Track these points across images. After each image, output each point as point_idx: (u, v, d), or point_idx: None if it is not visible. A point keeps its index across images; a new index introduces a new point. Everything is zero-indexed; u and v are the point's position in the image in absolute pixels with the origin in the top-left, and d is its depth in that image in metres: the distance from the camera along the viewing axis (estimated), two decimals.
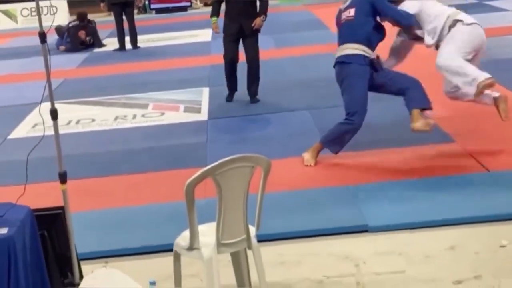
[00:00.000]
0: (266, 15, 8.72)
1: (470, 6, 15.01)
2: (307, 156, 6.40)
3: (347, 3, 6.37)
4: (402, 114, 7.53)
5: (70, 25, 14.39)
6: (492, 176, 5.68)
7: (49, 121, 4.04)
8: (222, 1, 8.68)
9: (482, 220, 4.91)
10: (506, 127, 6.76)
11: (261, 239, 4.41)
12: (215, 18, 8.73)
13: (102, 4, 14.09)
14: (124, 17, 13.54)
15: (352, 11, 6.25)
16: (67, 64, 12.55)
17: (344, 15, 6.34)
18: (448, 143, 6.56)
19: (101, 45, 14.39)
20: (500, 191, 5.34)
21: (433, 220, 4.95)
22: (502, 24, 12.41)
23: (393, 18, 6.26)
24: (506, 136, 6.59)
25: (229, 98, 8.86)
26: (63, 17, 17.48)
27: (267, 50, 12.14)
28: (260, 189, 3.91)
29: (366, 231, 4.94)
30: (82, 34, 14.27)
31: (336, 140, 6.29)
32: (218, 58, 11.80)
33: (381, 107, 7.87)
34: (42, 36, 3.90)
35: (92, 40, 14.37)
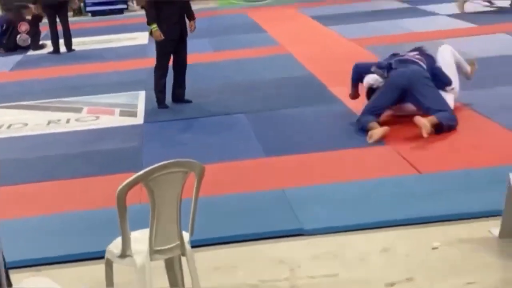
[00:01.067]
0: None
1: (404, 10, 15.28)
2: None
3: None
4: (337, 116, 7.65)
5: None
6: (424, 178, 5.77)
7: None
8: (158, 6, 8.43)
9: (414, 222, 4.98)
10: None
11: (196, 244, 4.40)
12: (155, 25, 8.38)
13: (33, 6, 13.77)
14: (58, 20, 13.34)
15: None
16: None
17: None
18: (380, 146, 6.64)
19: (37, 47, 14.13)
20: (431, 193, 5.42)
21: (367, 223, 5.00)
22: (434, 28, 12.62)
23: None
24: (437, 138, 6.70)
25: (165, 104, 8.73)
26: None
27: (204, 53, 12.16)
28: (194, 195, 3.90)
29: (301, 234, 4.95)
30: (23, 26, 13.94)
31: None
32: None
33: (316, 110, 7.96)
34: None
35: (29, 41, 14.09)
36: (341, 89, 8.35)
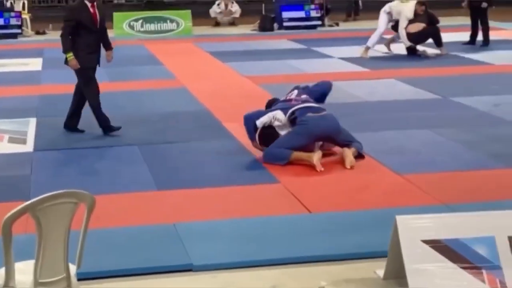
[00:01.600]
0: None
1: (299, 51, 15.59)
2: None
3: None
4: (231, 152, 7.70)
5: None
6: (313, 217, 5.87)
7: None
8: (72, 34, 8.23)
9: (302, 261, 5.04)
10: (327, 171, 7.04)
11: (83, 277, 4.31)
12: (71, 53, 8.18)
13: None
14: None
15: None
16: None
17: None
18: (273, 183, 6.72)
19: None
20: (320, 232, 5.51)
21: (256, 260, 5.03)
22: (328, 70, 12.92)
23: None
24: (328, 179, 6.84)
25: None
26: None
27: (100, 83, 11.99)
28: (83, 226, 3.83)
29: (190, 270, 4.93)
30: None
31: None
32: (47, 88, 11.56)
33: (209, 145, 7.99)
34: None
35: None
36: (235, 125, 8.43)
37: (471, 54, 14.27)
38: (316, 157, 7.10)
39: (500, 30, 17.60)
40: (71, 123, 8.63)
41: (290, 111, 7.40)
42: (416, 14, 13.53)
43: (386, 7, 14.14)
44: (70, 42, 8.23)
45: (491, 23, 15.72)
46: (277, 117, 7.40)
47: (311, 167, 7.07)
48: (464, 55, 14.24)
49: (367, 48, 13.97)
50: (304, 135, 7.28)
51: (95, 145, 8.13)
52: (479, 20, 15.19)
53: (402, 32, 13.57)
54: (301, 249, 5.20)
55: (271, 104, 7.79)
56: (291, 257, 5.08)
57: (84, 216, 3.80)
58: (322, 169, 7.02)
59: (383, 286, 4.71)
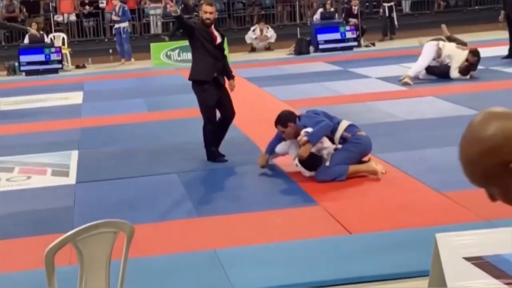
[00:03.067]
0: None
1: (335, 72, 15.62)
2: None
3: None
4: (271, 176, 7.74)
5: None
6: (354, 238, 5.85)
7: None
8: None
9: (343, 283, 5.03)
10: (365, 191, 7.03)
11: None
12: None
13: None
14: None
15: None
16: None
17: None
18: (312, 205, 6.72)
19: None
20: (360, 253, 5.50)
21: (297, 283, 5.03)
22: (365, 90, 12.92)
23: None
24: (367, 199, 6.83)
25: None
26: None
27: (138, 112, 12.20)
28: (123, 255, 3.88)
29: None
30: None
31: None
32: (88, 120, 11.75)
33: (249, 170, 8.03)
34: None
35: None
36: None
37: (510, 68, 14.14)
38: (374, 164, 7.40)
39: None
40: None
41: (344, 127, 7.53)
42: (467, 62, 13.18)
43: (436, 43, 13.40)
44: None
45: None
46: (327, 141, 7.53)
47: (348, 187, 7.10)
48: (502, 69, 14.12)
49: (410, 78, 13.53)
50: (358, 153, 7.46)
51: (135, 174, 8.22)
52: None
53: (455, 75, 13.18)
54: (342, 271, 5.19)
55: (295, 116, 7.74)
56: (332, 279, 5.07)
57: (123, 245, 3.85)
58: (384, 171, 7.36)
59: None
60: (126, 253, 3.87)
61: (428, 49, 13.31)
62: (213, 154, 8.52)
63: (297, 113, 7.84)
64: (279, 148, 7.90)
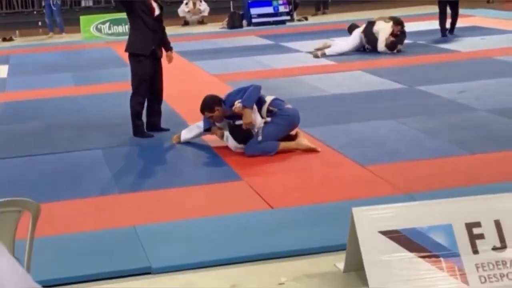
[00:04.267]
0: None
1: (267, 47, 15.55)
2: None
3: None
4: (195, 152, 7.65)
5: None
6: (275, 213, 5.83)
7: None
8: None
9: (263, 258, 5.00)
10: (290, 166, 7.02)
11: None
12: None
13: None
14: None
15: None
16: None
17: None
18: (235, 181, 6.68)
19: None
20: (281, 228, 5.47)
21: (216, 260, 4.98)
22: (296, 64, 12.90)
23: None
24: (291, 173, 6.81)
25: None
26: None
27: (66, 87, 11.94)
28: (29, 235, 3.74)
29: (149, 273, 4.88)
30: None
31: None
32: (12, 95, 11.45)
33: (174, 146, 7.93)
34: None
35: None
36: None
37: (437, 43, 14.30)
38: (304, 140, 7.41)
39: (467, 17, 17.63)
40: (153, 122, 8.54)
41: (269, 102, 7.50)
42: (393, 35, 13.29)
43: (361, 30, 13.58)
44: None
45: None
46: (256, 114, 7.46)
47: (273, 162, 7.08)
48: (429, 44, 14.27)
49: (323, 54, 13.64)
50: (285, 126, 7.46)
51: (57, 150, 8.03)
52: (447, 10, 14.92)
53: (381, 48, 13.30)
54: (262, 246, 5.15)
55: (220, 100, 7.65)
56: (252, 255, 5.03)
57: (29, 224, 3.73)
58: (319, 149, 7.34)
59: (344, 279, 4.67)
60: (32, 233, 3.74)
61: (354, 35, 13.49)
62: (139, 129, 8.39)
63: (223, 95, 7.74)
64: (192, 132, 7.86)
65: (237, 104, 7.28)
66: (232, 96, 7.49)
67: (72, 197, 6.44)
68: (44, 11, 20.02)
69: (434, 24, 16.98)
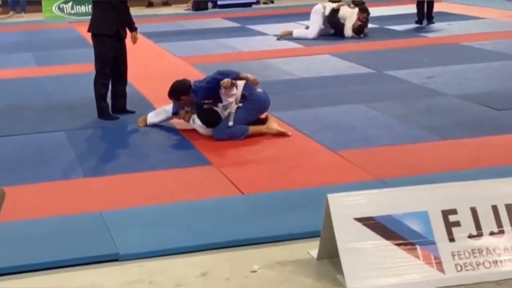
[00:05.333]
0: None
1: (233, 29, 15.39)
2: None
3: None
4: (163, 136, 7.49)
5: None
6: (246, 199, 5.70)
7: None
8: None
9: (234, 245, 4.88)
10: (260, 150, 6.90)
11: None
12: None
13: None
14: None
15: None
16: None
17: None
18: (204, 165, 6.54)
19: None
20: (252, 214, 5.36)
21: (186, 246, 4.84)
22: (262, 47, 12.76)
23: None
24: (261, 158, 6.70)
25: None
26: None
27: (27, 68, 11.66)
28: None
29: (117, 259, 4.73)
30: None
31: None
32: None
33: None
34: None
35: None
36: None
37: (404, 27, 14.25)
38: (274, 124, 7.31)
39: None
40: (119, 104, 8.34)
41: (241, 86, 7.36)
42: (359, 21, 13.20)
43: (321, 8, 13.41)
44: None
45: None
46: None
47: (243, 146, 6.97)
48: (396, 28, 14.21)
49: (289, 33, 13.55)
50: (256, 110, 7.37)
51: (18, 132, 7.80)
52: None
53: (349, 33, 13.20)
54: (232, 233, 5.03)
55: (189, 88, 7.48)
56: (222, 242, 4.90)
57: None
58: (290, 133, 7.25)
59: (317, 267, 4.58)
60: None
61: (317, 21, 13.32)
62: (104, 111, 8.20)
63: (191, 80, 7.57)
64: (159, 116, 7.72)
65: (225, 81, 7.11)
66: (202, 89, 7.29)
67: (34, 180, 6.25)
68: None
69: (399, 9, 17.03)
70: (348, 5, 13.52)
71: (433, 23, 14.35)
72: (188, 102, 7.40)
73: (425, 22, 14.39)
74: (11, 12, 19.25)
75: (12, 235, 4.98)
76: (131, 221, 5.28)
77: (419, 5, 14.47)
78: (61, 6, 18.84)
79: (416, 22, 14.42)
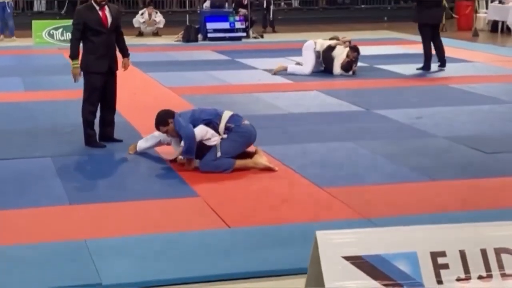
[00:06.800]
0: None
1: (223, 62, 15.42)
2: None
3: None
4: (151, 165, 7.44)
5: None
6: (232, 232, 5.65)
7: None
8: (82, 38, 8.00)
9: (219, 279, 4.82)
10: (247, 184, 6.87)
11: None
12: (76, 61, 7.98)
13: None
14: None
15: None
16: None
17: None
18: (191, 197, 6.49)
19: None
20: (239, 248, 5.30)
21: (170, 279, 4.78)
22: (252, 81, 12.78)
23: None
24: (248, 192, 6.66)
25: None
26: None
27: (15, 92, 11.61)
28: None
29: None
30: None
31: None
32: None
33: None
34: None
35: None
36: None
37: (393, 67, 14.30)
38: (261, 159, 7.28)
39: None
40: (107, 133, 8.26)
41: (226, 118, 7.33)
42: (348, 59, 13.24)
43: (312, 44, 13.36)
44: (77, 48, 8.02)
45: (407, 37, 15.53)
46: (211, 132, 7.25)
47: (230, 179, 6.95)
48: (385, 68, 14.27)
49: (284, 69, 13.58)
50: (242, 143, 7.35)
51: (6, 157, 7.73)
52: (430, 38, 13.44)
53: (337, 71, 13.23)
54: (218, 267, 4.97)
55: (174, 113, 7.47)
56: (207, 275, 4.85)
57: None
58: (277, 169, 7.21)
59: None
60: None
61: (310, 56, 13.33)
62: (91, 138, 8.15)
63: (177, 108, 7.56)
64: (149, 141, 7.68)
65: (180, 157, 7.28)
66: (179, 126, 7.24)
67: (19, 206, 6.18)
68: None
69: (389, 49, 17.16)
70: (344, 44, 13.46)
71: (444, 67, 13.62)
72: (172, 129, 7.33)
73: (436, 66, 13.64)
74: (1, 36, 19.23)
75: None
76: (116, 251, 5.21)
77: (429, 51, 13.52)
78: (51, 32, 18.84)
79: (422, 69, 13.55)
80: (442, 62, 13.64)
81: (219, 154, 7.16)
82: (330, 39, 13.78)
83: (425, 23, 13.36)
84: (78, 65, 8.01)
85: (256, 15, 21.24)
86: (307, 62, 13.41)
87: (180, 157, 7.36)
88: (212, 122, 7.30)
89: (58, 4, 23.50)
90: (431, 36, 13.43)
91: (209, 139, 7.21)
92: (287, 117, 9.83)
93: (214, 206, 6.21)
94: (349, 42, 13.63)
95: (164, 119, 7.37)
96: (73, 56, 8.04)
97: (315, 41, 13.46)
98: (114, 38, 8.18)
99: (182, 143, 7.18)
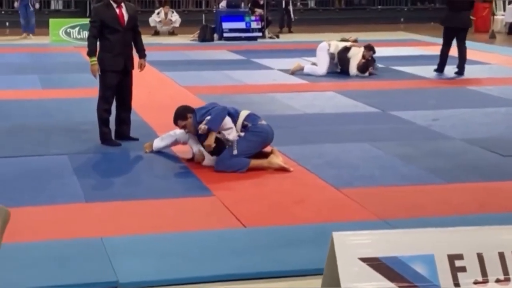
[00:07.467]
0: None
1: (238, 62, 15.43)
2: None
3: None
4: (167, 164, 7.45)
5: None
6: (248, 232, 5.64)
7: None
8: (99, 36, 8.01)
9: (234, 278, 4.82)
10: (263, 183, 6.86)
11: None
12: (94, 58, 7.99)
13: None
14: None
15: None
16: None
17: None
18: (206, 196, 6.49)
19: None
20: (255, 248, 5.30)
21: (185, 278, 4.78)
22: (267, 81, 12.79)
23: None
24: (263, 192, 6.65)
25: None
26: None
27: (32, 90, 11.67)
28: None
29: (115, 287, 4.66)
30: None
31: None
32: None
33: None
34: None
35: None
36: None
37: (410, 68, 14.27)
38: (277, 159, 7.25)
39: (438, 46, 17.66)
40: (122, 131, 8.29)
41: (243, 117, 7.35)
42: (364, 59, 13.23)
43: (326, 45, 13.36)
44: (94, 45, 8.05)
45: (423, 38, 15.49)
46: (231, 123, 7.28)
47: (245, 179, 6.94)
48: (401, 69, 14.23)
49: (301, 69, 13.59)
50: (259, 143, 7.33)
51: (20, 154, 7.75)
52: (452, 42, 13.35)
53: (353, 72, 13.22)
54: (233, 266, 4.97)
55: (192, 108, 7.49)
56: (222, 275, 4.84)
57: None
58: (292, 169, 7.17)
59: None
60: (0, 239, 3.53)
61: (325, 58, 13.30)
62: (106, 136, 8.17)
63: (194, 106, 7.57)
64: (165, 140, 7.68)
65: (202, 126, 7.14)
66: (201, 114, 7.27)
67: (36, 203, 6.20)
68: (19, 11, 19.61)
69: (405, 50, 17.10)
70: (359, 45, 13.47)
71: (462, 75, 13.31)
72: (191, 124, 7.33)
73: (452, 70, 13.44)
74: (24, 34, 19.32)
75: (10, 258, 4.90)
76: (132, 249, 5.22)
77: (446, 55, 13.46)
78: (68, 30, 18.93)
79: (436, 70, 13.56)
80: (461, 69, 13.39)
81: (235, 152, 7.16)
82: (346, 40, 13.77)
83: (455, 27, 13.25)
84: (96, 62, 8.03)
85: (272, 15, 21.26)
86: (321, 63, 13.41)
87: (198, 151, 7.32)
88: (231, 115, 7.29)
89: (75, 3, 23.58)
90: (455, 40, 13.34)
91: (230, 128, 7.19)
92: (302, 117, 9.83)
93: (230, 205, 6.21)
94: (355, 40, 13.66)
95: (183, 114, 7.38)
96: (91, 53, 8.07)
97: (329, 43, 13.45)
98: (130, 36, 8.20)
99: (208, 117, 7.17)
